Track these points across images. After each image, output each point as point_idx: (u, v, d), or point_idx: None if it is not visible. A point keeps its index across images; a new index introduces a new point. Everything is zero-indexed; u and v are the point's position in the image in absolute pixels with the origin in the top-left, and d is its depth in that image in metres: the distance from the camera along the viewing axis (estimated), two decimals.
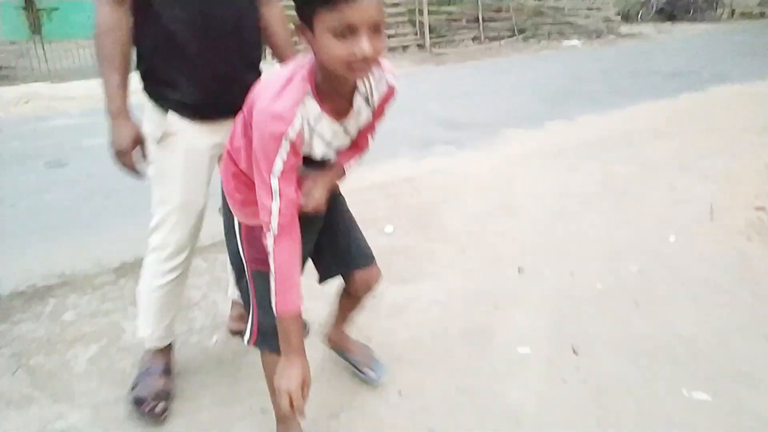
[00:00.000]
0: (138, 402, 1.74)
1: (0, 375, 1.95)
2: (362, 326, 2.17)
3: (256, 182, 1.21)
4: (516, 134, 4.84)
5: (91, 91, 6.54)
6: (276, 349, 1.46)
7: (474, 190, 3.54)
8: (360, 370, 1.89)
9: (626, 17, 17.15)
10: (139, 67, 1.60)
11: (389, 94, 1.32)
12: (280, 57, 1.78)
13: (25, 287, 2.46)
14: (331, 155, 1.32)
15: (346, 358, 1.92)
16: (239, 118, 1.33)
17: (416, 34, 10.19)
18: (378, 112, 1.34)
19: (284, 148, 1.14)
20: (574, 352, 2.04)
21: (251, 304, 1.45)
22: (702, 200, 3.28)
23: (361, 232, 1.65)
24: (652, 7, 17.80)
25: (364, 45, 1.03)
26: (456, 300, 2.34)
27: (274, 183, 1.16)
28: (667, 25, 15.65)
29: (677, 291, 2.39)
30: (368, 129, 1.38)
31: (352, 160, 1.41)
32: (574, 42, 11.47)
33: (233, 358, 2.04)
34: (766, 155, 4.05)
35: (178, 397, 1.83)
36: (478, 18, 11.21)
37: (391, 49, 9.87)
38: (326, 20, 1.03)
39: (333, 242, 1.60)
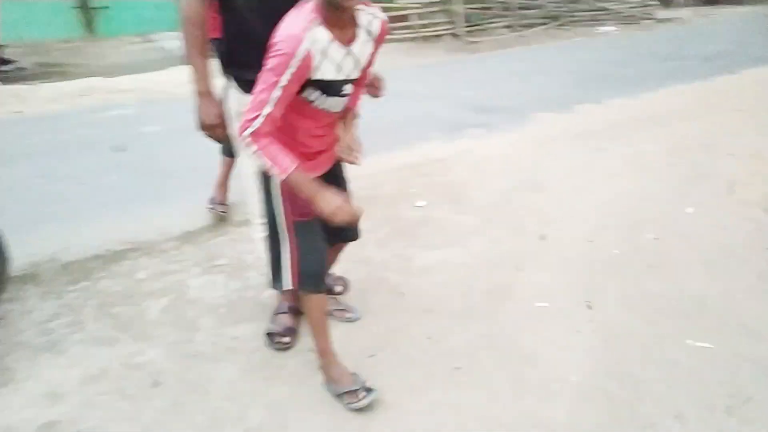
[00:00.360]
0: (270, 335, 2.09)
1: (89, 321, 2.28)
2: (396, 283, 2.44)
3: (256, 90, 1.45)
4: (545, 117, 5.00)
5: (141, 84, 6.98)
6: (317, 289, 1.75)
7: (501, 169, 3.75)
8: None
9: (666, 2, 16.84)
10: (219, 52, 1.89)
11: (383, 26, 1.60)
12: None
13: (102, 251, 2.80)
14: (342, 78, 1.55)
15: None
16: None
17: (450, 23, 10.34)
18: (378, 41, 1.61)
19: (291, 67, 1.41)
20: (588, 307, 2.25)
21: (289, 252, 1.71)
22: (723, 176, 3.42)
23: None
24: None
25: None
26: (481, 263, 2.58)
27: (277, 92, 1.42)
28: (706, 9, 15.30)
29: (690, 257, 2.58)
30: (369, 61, 1.65)
31: (357, 101, 1.72)
32: (609, 28, 11.41)
33: None
34: None
35: (237, 338, 2.14)
36: (511, 6, 11.27)
37: (425, 39, 10.03)
38: None
39: None
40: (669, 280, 2.40)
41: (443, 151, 4.17)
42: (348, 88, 1.61)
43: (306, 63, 1.43)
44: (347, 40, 1.51)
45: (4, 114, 5.74)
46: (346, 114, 1.74)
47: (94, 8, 7.80)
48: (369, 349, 2.06)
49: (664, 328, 2.12)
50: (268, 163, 1.49)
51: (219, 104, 1.83)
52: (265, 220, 1.80)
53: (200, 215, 3.13)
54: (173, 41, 10.25)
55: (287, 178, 1.49)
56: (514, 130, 4.68)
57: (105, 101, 6.04)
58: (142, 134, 4.77)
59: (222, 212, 3.09)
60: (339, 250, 2.04)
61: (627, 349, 2.02)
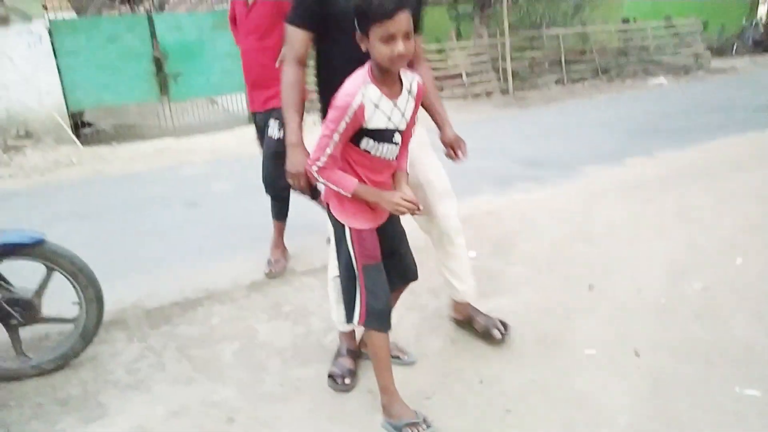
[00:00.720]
0: (331, 376, 2.29)
1: (170, 362, 2.53)
2: (449, 329, 2.59)
3: (321, 135, 1.79)
4: (594, 170, 5.11)
5: (211, 144, 7.52)
6: (382, 328, 1.94)
7: (551, 221, 3.87)
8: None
9: (720, 51, 16.73)
10: (321, 100, 2.17)
11: (420, 89, 1.90)
12: (429, 108, 2.23)
13: (180, 299, 3.08)
14: (392, 127, 1.83)
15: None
16: None
17: (499, 80, 10.66)
18: (417, 100, 1.91)
19: (348, 115, 1.74)
20: (636, 354, 2.33)
21: (359, 293, 1.93)
22: None
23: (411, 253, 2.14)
24: (748, 39, 17.22)
25: (399, 46, 1.66)
26: (531, 311, 2.70)
27: (336, 137, 1.76)
28: (764, 58, 15.12)
29: (739, 305, 2.62)
30: (413, 117, 1.92)
31: (405, 160, 1.98)
32: (660, 80, 11.45)
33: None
34: None
35: (302, 379, 2.33)
36: (560, 61, 11.54)
37: (475, 96, 10.35)
38: (377, 32, 1.67)
39: (398, 257, 2.08)
40: (716, 328, 2.45)
41: (493, 204, 4.34)
42: (398, 138, 1.88)
43: (360, 112, 1.75)
44: (394, 96, 1.81)
45: (87, 173, 6.31)
46: (396, 174, 1.97)
47: (169, 74, 8.53)
48: (425, 392, 2.20)
49: (711, 375, 2.17)
50: (335, 187, 1.84)
51: (306, 155, 2.04)
52: (338, 265, 2.01)
53: (265, 266, 3.39)
54: (237, 103, 10.98)
55: (354, 192, 1.82)
56: (563, 183, 4.81)
57: (177, 160, 6.55)
58: (211, 192, 5.16)
59: (273, 272, 3.32)
60: (399, 293, 2.22)
61: (674, 394, 2.08)
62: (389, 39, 1.67)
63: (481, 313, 2.53)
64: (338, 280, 2.12)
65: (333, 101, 1.78)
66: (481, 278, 3.04)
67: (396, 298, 2.23)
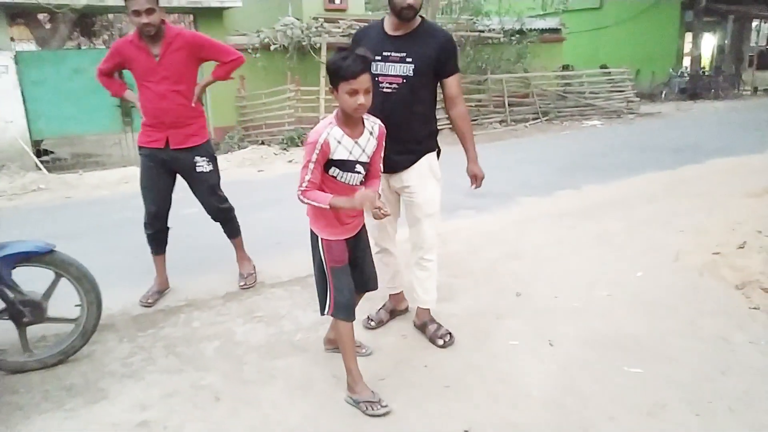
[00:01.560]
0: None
1: (159, 357, 2.92)
2: (400, 328, 3.08)
3: (302, 167, 2.28)
4: (528, 201, 5.78)
5: None
6: (347, 318, 2.42)
7: (488, 243, 4.45)
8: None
9: (651, 97, 18.20)
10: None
11: (381, 131, 2.44)
12: (462, 140, 2.93)
13: (163, 307, 3.47)
14: (353, 159, 2.32)
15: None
16: None
17: (446, 119, 11.44)
18: (379, 140, 2.43)
19: (317, 150, 2.24)
20: (551, 344, 2.88)
21: (329, 289, 2.41)
22: (672, 247, 4.11)
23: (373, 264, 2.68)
24: (675, 86, 18.79)
25: (360, 99, 2.18)
26: (469, 314, 3.23)
27: (310, 166, 2.25)
28: (688, 104, 16.57)
29: (633, 308, 3.23)
30: (377, 155, 2.44)
31: (376, 184, 2.48)
32: (594, 122, 12.51)
33: (311, 348, 2.95)
34: (739, 213, 4.83)
35: (277, 369, 2.76)
36: (504, 103, 12.45)
37: None
38: (344, 87, 2.18)
39: (359, 266, 2.56)
40: (614, 325, 3.04)
41: (440, 228, 4.87)
42: (360, 168, 2.38)
43: (325, 146, 2.25)
44: (356, 136, 2.34)
45: (55, 198, 6.57)
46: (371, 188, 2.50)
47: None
48: (379, 375, 2.67)
49: (607, 359, 2.74)
50: (316, 203, 2.29)
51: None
52: (313, 266, 2.50)
53: (235, 279, 3.82)
54: None
55: (330, 203, 2.26)
56: (500, 211, 5.44)
57: None
58: (180, 215, 5.52)
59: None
60: (358, 298, 2.69)
61: (578, 374, 2.63)
62: (353, 93, 2.19)
63: (436, 322, 3.01)
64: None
65: (306, 139, 2.33)
66: (417, 289, 3.57)
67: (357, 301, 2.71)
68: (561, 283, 3.60)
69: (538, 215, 5.25)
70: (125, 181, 7.29)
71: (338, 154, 2.29)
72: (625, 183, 6.45)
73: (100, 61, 3.48)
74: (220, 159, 9.00)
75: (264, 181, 7.65)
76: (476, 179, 2.98)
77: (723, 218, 4.77)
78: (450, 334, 2.94)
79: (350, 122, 2.31)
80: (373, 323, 3.13)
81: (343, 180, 2.36)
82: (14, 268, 2.71)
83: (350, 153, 2.32)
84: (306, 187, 2.29)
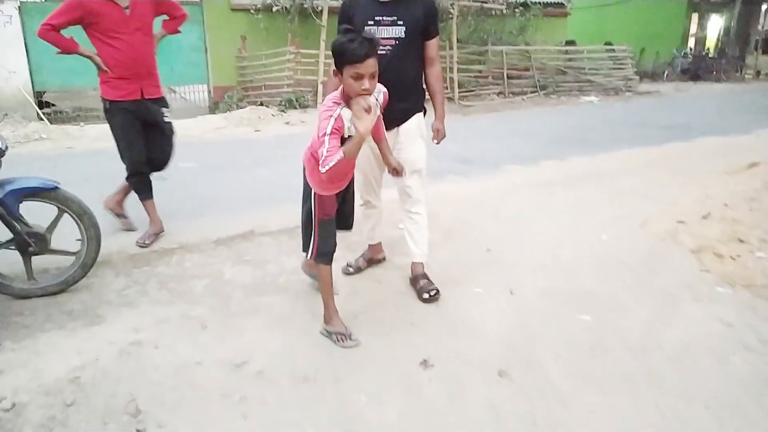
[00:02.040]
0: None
1: (152, 291, 3.17)
2: (376, 274, 3.33)
3: (318, 141, 2.30)
4: (514, 169, 6.00)
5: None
6: (327, 263, 2.65)
7: (470, 206, 4.68)
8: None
9: (654, 76, 18.24)
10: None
11: (385, 99, 2.53)
12: (432, 98, 3.16)
13: (157, 248, 3.72)
14: None
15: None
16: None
17: (446, 89, 11.56)
18: (383, 106, 2.53)
19: (331, 122, 2.25)
20: (511, 293, 3.14)
21: (314, 237, 2.62)
22: (641, 215, 4.34)
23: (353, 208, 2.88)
24: (677, 66, 18.81)
25: (366, 84, 2.21)
26: (440, 265, 3.46)
27: (326, 139, 2.24)
28: (688, 85, 16.63)
29: (593, 266, 3.48)
30: (378, 122, 2.56)
31: (382, 134, 2.66)
32: (592, 98, 12.63)
33: (292, 288, 3.21)
34: (712, 188, 5.04)
35: (261, 304, 3.02)
36: (503, 75, 12.55)
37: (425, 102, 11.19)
38: (349, 71, 2.21)
39: (339, 213, 2.72)
40: (573, 280, 3.29)
41: (427, 191, 5.10)
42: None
43: (339, 119, 2.28)
44: None
45: (58, 148, 6.78)
46: (380, 146, 2.70)
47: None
48: (353, 312, 2.92)
49: (561, 308, 3.00)
50: (335, 165, 2.23)
51: None
52: (301, 213, 2.72)
53: (230, 227, 4.06)
54: (197, 94, 11.48)
55: (345, 155, 2.23)
56: (486, 178, 5.65)
57: None
58: (178, 168, 5.74)
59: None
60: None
61: (532, 319, 2.89)
62: (358, 77, 2.19)
63: (427, 278, 3.18)
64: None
65: (321, 115, 2.32)
66: (404, 243, 3.82)
67: None
68: (531, 242, 3.85)
69: (521, 183, 5.47)
70: None
71: (349, 132, 2.33)
72: (611, 156, 6.65)
73: (49, 16, 3.41)
74: (219, 117, 9.22)
75: (260, 140, 7.84)
76: (439, 134, 3.17)
77: (696, 192, 4.98)
78: (437, 290, 3.08)
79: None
80: (351, 269, 3.38)
81: None
82: (21, 202, 2.94)
83: None
84: (327, 158, 2.23)
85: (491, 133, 8.24)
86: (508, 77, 12.59)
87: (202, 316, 2.91)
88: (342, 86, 2.32)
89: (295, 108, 9.54)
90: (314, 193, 2.57)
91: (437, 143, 3.19)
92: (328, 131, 2.26)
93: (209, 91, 11.02)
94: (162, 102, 3.79)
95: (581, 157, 6.57)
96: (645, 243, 3.84)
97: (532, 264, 3.51)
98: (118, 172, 3.97)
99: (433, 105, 3.16)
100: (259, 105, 10.12)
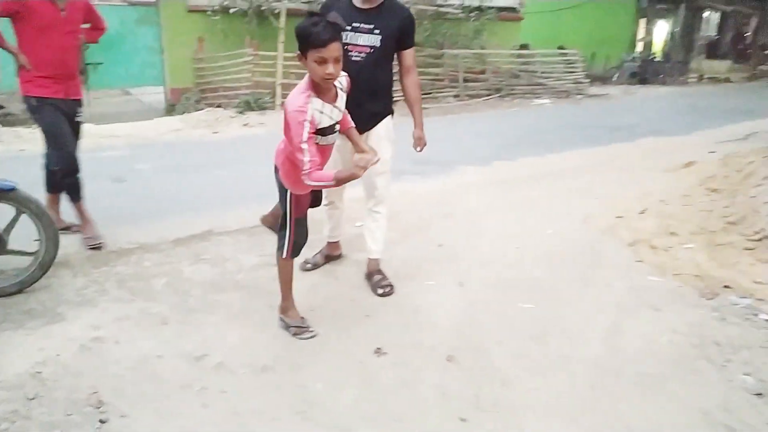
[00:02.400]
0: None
1: (112, 289, 3.22)
2: (333, 270, 3.46)
3: (293, 149, 2.32)
4: (468, 169, 6.21)
5: (131, 131, 7.99)
6: (296, 256, 2.72)
7: (425, 205, 4.86)
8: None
9: (603, 79, 18.88)
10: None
11: (348, 83, 2.49)
12: (411, 107, 3.25)
13: (115, 248, 3.76)
14: (334, 122, 2.40)
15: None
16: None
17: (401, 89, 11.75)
18: (347, 92, 2.49)
19: (306, 128, 2.25)
20: (461, 285, 3.32)
21: (289, 236, 2.66)
22: (584, 211, 4.60)
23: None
24: (626, 70, 19.53)
25: (330, 69, 2.21)
26: (397, 260, 3.62)
27: (304, 146, 2.25)
28: (636, 87, 17.29)
29: (537, 257, 3.71)
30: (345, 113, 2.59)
31: (350, 124, 2.64)
32: (544, 101, 13.04)
33: (251, 285, 3.31)
34: (651, 185, 5.36)
35: (219, 300, 3.11)
36: (459, 79, 12.83)
37: None
38: (313, 55, 2.19)
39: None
40: (519, 270, 3.51)
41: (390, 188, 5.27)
42: (337, 127, 2.47)
43: (313, 121, 2.29)
44: (332, 100, 2.38)
45: (10, 151, 6.65)
46: (350, 134, 2.66)
47: (88, 63, 8.89)
48: (310, 305, 3.05)
49: (506, 297, 3.20)
50: (323, 183, 2.37)
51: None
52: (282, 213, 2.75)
53: (188, 227, 4.13)
54: (152, 96, 11.37)
55: (335, 180, 2.30)
56: (442, 178, 5.85)
57: (98, 144, 7.00)
58: (135, 170, 5.76)
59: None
60: None
61: (480, 308, 3.08)
62: (322, 62, 2.18)
63: (382, 274, 3.32)
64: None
65: (288, 118, 2.31)
66: (363, 239, 3.97)
67: None
68: (481, 238, 4.05)
69: (475, 182, 5.69)
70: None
71: (323, 123, 2.34)
72: (559, 157, 6.94)
73: None
74: (176, 119, 9.18)
75: (218, 142, 7.85)
76: (420, 142, 3.29)
77: (635, 189, 5.30)
78: (391, 285, 3.24)
79: (323, 88, 2.31)
80: (309, 266, 3.50)
81: (324, 143, 2.44)
82: None
83: (331, 118, 2.39)
84: (309, 168, 2.28)
85: (447, 135, 8.44)
86: (464, 80, 12.87)
87: (162, 313, 2.98)
88: (308, 74, 2.32)
89: (253, 110, 9.56)
90: (290, 193, 2.59)
91: (420, 151, 3.29)
92: (305, 138, 2.26)
93: (166, 93, 10.92)
94: (80, 102, 3.86)
95: (532, 157, 6.84)
96: (586, 237, 4.09)
97: (481, 258, 3.71)
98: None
99: (413, 114, 3.26)
100: (217, 107, 10.10)
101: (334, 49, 2.18)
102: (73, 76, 3.73)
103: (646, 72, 19.42)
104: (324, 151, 2.48)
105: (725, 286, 3.36)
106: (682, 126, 9.33)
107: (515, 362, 2.63)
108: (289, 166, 2.50)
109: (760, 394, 2.48)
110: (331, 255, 3.63)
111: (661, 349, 2.78)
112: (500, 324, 2.93)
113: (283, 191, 2.64)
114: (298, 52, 2.27)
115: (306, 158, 2.28)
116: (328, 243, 3.62)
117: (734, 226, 4.10)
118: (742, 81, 18.83)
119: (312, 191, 2.69)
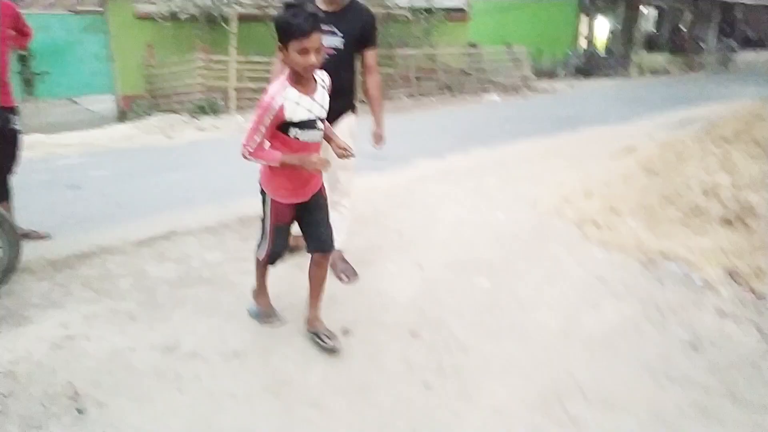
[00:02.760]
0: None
1: (77, 291, 3.25)
2: (298, 260, 3.59)
3: (250, 128, 2.28)
4: (422, 162, 6.42)
5: (83, 139, 7.88)
6: (273, 264, 2.80)
7: (383, 197, 5.03)
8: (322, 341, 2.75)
9: (550, 75, 19.49)
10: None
11: (328, 82, 2.46)
12: (371, 105, 3.34)
13: (78, 252, 3.76)
14: (313, 117, 2.35)
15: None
16: None
17: (358, 92, 11.92)
18: (330, 92, 2.48)
19: (270, 113, 2.24)
20: (420, 267, 3.50)
21: (267, 243, 2.68)
22: (533, 196, 4.85)
23: (330, 225, 2.71)
24: (571, 66, 20.23)
25: (312, 59, 2.20)
26: (359, 249, 3.76)
27: (261, 128, 2.26)
28: (581, 82, 17.94)
29: (488, 238, 3.93)
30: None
31: (329, 130, 2.65)
32: (494, 96, 13.42)
33: (218, 280, 3.40)
34: (595, 171, 5.67)
35: (187, 296, 3.19)
36: (411, 77, 13.08)
37: None
38: (294, 46, 2.17)
39: (312, 226, 2.68)
40: (474, 252, 3.71)
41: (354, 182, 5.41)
42: (320, 124, 2.42)
43: (279, 113, 2.26)
44: (311, 92, 2.35)
45: None
46: (326, 131, 2.62)
47: (36, 73, 8.72)
48: (278, 295, 3.15)
49: (462, 275, 3.39)
50: (265, 162, 2.35)
51: None
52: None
53: (150, 229, 4.17)
54: (101, 104, 11.18)
55: (281, 161, 2.30)
56: (398, 172, 6.02)
57: (51, 153, 6.92)
58: (92, 176, 5.73)
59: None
60: (319, 267, 2.74)
61: (438, 287, 3.26)
62: (304, 52, 2.17)
63: (345, 262, 3.45)
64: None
65: (259, 101, 2.29)
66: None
67: (320, 272, 2.74)
68: (436, 224, 4.24)
69: (429, 174, 5.89)
70: (31, 147, 7.21)
71: (299, 115, 2.30)
72: (509, 148, 7.23)
73: None
74: (128, 126, 9.08)
75: (173, 147, 7.82)
76: (379, 139, 3.42)
77: (580, 174, 5.60)
78: (355, 271, 3.37)
79: (303, 80, 2.30)
80: None
81: (305, 139, 2.39)
82: None
83: (310, 111, 2.35)
84: (253, 147, 2.29)
85: (402, 132, 8.61)
86: (416, 79, 13.13)
87: (131, 310, 3.04)
88: (288, 68, 2.30)
89: (207, 114, 9.54)
90: (270, 199, 2.56)
91: (378, 147, 3.41)
92: (265, 122, 2.27)
93: (117, 101, 10.76)
94: (15, 110, 3.73)
95: (483, 149, 7.10)
96: (535, 219, 4.33)
97: (438, 242, 3.89)
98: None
99: (373, 113, 3.36)
100: (170, 113, 10.03)
101: (315, 40, 2.19)
102: (3, 84, 3.62)
103: (590, 66, 20.17)
104: (308, 149, 2.43)
105: (663, 256, 3.64)
106: (624, 115, 9.81)
107: (473, 331, 2.82)
108: (267, 170, 2.51)
109: (694, 347, 2.74)
110: (296, 246, 3.73)
111: (607, 313, 3.02)
112: (458, 299, 3.11)
113: (262, 196, 2.60)
114: (279, 44, 2.24)
115: (256, 137, 2.29)
116: (293, 236, 3.72)
117: (671, 203, 4.42)
118: (680, 72, 19.76)
119: (312, 232, 2.67)
